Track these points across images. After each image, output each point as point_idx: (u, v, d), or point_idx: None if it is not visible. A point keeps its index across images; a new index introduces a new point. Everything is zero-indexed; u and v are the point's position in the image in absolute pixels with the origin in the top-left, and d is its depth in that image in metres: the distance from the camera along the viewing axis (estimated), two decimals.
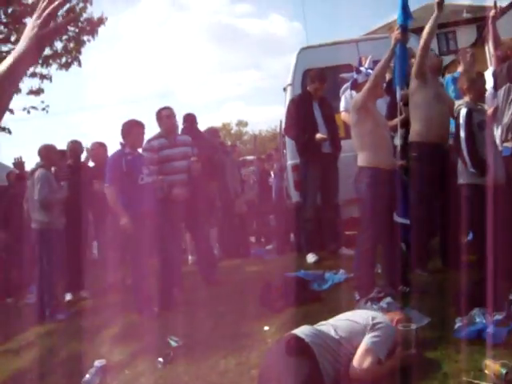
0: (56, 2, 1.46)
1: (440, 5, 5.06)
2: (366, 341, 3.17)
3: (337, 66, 6.73)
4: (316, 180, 6.32)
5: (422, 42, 5.06)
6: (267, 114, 71.29)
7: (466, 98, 4.73)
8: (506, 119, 4.91)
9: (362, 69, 4.86)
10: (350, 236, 6.12)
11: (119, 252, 6.29)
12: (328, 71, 6.68)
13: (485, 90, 4.91)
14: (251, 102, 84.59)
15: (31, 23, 1.46)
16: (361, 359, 3.14)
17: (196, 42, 75.93)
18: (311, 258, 6.24)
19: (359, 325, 3.27)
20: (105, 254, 7.14)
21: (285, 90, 7.80)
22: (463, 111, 4.58)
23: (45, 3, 1.47)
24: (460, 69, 6.26)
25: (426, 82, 5.08)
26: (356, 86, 4.82)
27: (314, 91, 6.47)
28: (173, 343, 4.33)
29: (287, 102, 7.06)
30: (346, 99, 6.34)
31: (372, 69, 4.85)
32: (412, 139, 5.27)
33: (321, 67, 6.78)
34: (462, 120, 4.55)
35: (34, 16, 1.47)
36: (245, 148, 38.02)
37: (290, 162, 7.16)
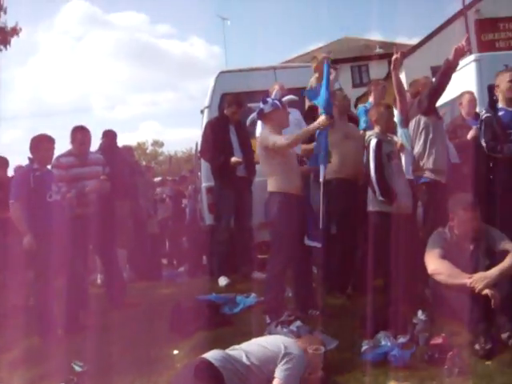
0: None
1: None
2: (279, 374, 3.16)
3: (254, 92, 6.82)
4: (230, 203, 6.31)
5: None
6: (183, 134, 71.19)
7: (376, 129, 4.95)
8: (416, 149, 5.15)
9: (268, 99, 4.84)
10: (262, 259, 6.15)
11: (23, 271, 5.96)
12: (245, 96, 6.74)
13: (393, 122, 5.16)
14: (167, 122, 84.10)
15: None
16: None
17: (114, 58, 74.57)
18: (223, 281, 6.20)
19: (271, 352, 3.25)
20: (6, 274, 6.74)
21: (202, 112, 7.80)
22: (373, 142, 4.78)
23: None
24: (371, 99, 6.54)
25: (333, 126, 5.09)
26: (262, 115, 4.81)
27: (231, 115, 6.50)
28: (77, 368, 4.11)
29: (204, 125, 7.07)
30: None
31: (279, 99, 4.97)
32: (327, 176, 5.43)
33: (238, 92, 6.85)
34: (371, 150, 4.74)
35: None
36: (160, 168, 37.60)
37: (204, 185, 7.13)
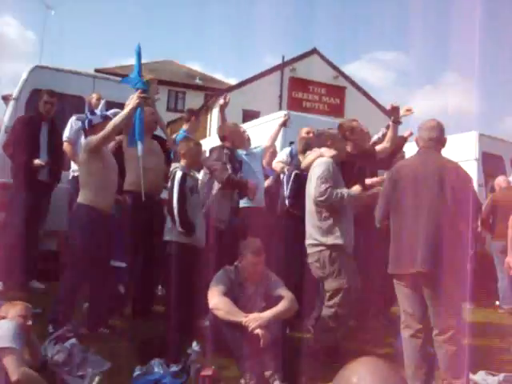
0: None
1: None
2: None
3: (67, 95, 6.61)
4: (22, 206, 5.92)
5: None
6: None
7: (183, 162, 5.09)
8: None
9: (97, 111, 4.91)
10: (46, 269, 5.88)
11: None
12: (59, 97, 6.46)
13: (199, 158, 5.37)
14: None
15: None
16: None
17: None
18: None
19: None
20: None
21: (4, 99, 7.26)
22: (178, 174, 4.91)
23: None
24: (185, 127, 6.71)
25: (147, 103, 5.33)
26: (91, 126, 4.83)
27: (45, 113, 6.19)
28: None
29: (7, 115, 6.61)
30: (72, 128, 6.24)
31: (104, 112, 4.98)
32: (125, 188, 5.49)
33: (53, 90, 6.52)
34: (176, 182, 4.87)
35: None
36: None
37: None
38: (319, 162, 4.65)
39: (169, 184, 4.99)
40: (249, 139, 6.36)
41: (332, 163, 4.61)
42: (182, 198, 4.83)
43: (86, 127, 4.91)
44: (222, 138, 5.83)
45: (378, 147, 5.70)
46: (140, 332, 4.64)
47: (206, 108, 24.06)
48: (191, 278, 4.70)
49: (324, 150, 4.74)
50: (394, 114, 5.42)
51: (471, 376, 4.40)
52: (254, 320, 3.97)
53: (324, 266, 4.47)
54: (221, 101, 5.94)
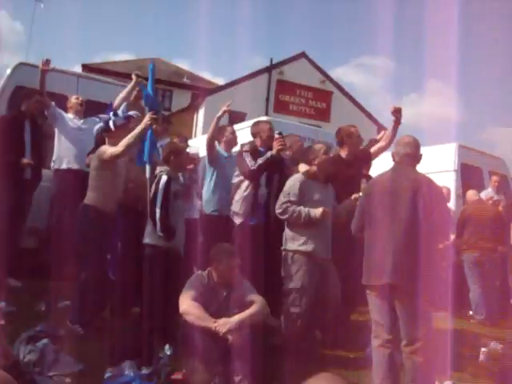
0: None
1: None
2: None
3: (52, 94, 6.59)
4: (9, 204, 5.86)
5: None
6: None
7: (168, 167, 5.08)
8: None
9: (119, 112, 5.15)
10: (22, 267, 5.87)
11: None
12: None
13: (184, 162, 5.40)
14: None
15: None
16: None
17: None
18: None
19: None
20: None
21: None
22: (164, 178, 4.91)
23: None
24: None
25: (157, 123, 5.46)
26: (115, 126, 5.08)
27: (28, 111, 6.19)
28: None
29: None
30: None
31: (126, 113, 5.31)
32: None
33: (34, 88, 6.47)
34: (160, 186, 4.87)
35: None
36: None
37: None
38: (292, 177, 5.15)
39: (152, 187, 4.98)
40: (236, 141, 6.46)
41: (302, 179, 4.96)
42: (165, 203, 4.85)
43: (112, 128, 5.07)
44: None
45: (374, 148, 5.90)
46: (116, 333, 4.65)
47: (193, 107, 24.04)
48: (167, 282, 4.73)
49: (301, 165, 5.05)
50: (396, 114, 5.50)
51: None
52: (223, 325, 4.02)
53: (284, 268, 5.05)
54: (224, 107, 5.95)
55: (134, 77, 6.50)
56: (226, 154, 6.26)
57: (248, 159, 5.62)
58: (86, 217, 5.01)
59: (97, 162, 5.03)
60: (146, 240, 4.99)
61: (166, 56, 39.89)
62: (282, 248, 5.12)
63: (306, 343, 4.92)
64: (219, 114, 5.86)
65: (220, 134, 6.27)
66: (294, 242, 5.02)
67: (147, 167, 5.32)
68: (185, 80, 29.56)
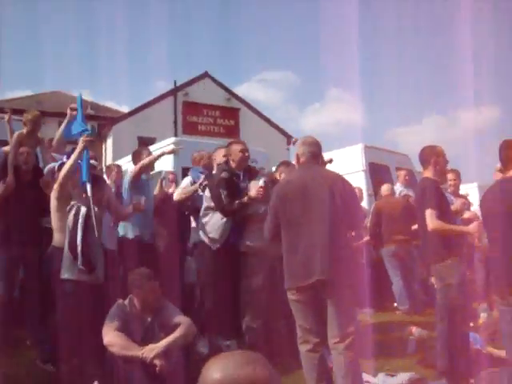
0: None
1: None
2: None
3: None
4: None
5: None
6: None
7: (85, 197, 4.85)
8: None
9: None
10: None
11: None
12: None
13: (104, 196, 5.21)
14: None
15: None
16: None
17: None
18: None
19: None
20: None
21: None
22: (83, 210, 4.71)
23: None
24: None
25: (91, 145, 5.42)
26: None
27: None
28: None
29: None
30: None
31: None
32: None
33: None
34: (81, 218, 4.66)
35: None
36: None
37: None
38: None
39: (69, 219, 4.74)
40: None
41: None
42: (86, 235, 4.63)
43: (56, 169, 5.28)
44: None
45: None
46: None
47: (100, 137, 23.49)
48: (88, 316, 4.49)
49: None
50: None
51: (371, 379, 4.56)
52: (150, 351, 3.90)
53: None
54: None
55: (69, 110, 6.23)
56: (145, 177, 6.35)
57: (224, 195, 5.53)
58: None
59: (55, 200, 5.00)
60: (65, 275, 4.66)
61: (67, 88, 38.72)
62: None
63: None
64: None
65: (136, 158, 6.39)
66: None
67: (88, 186, 5.10)
68: (89, 111, 28.87)
